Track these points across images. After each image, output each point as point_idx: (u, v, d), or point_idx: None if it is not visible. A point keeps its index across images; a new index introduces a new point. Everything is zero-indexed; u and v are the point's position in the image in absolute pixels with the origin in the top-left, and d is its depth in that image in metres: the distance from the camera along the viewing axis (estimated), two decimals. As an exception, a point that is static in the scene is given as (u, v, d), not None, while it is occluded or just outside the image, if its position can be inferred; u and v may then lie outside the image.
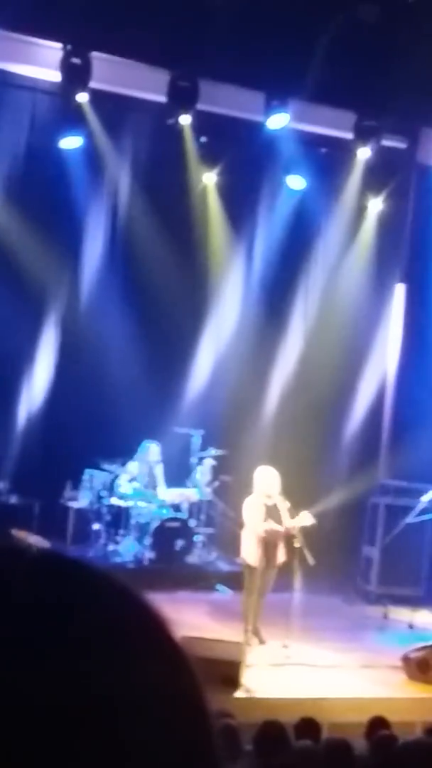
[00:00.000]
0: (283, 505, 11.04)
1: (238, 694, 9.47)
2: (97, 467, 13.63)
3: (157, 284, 14.08)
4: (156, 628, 0.82)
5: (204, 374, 14.94)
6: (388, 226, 15.52)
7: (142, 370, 13.88)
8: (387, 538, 13.65)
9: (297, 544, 11.01)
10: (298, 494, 11.35)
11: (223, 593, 13.00)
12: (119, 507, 13.49)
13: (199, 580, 13.15)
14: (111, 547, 13.40)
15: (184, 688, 0.80)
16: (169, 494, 13.72)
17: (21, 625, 0.76)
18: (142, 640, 0.80)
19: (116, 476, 13.57)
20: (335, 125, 14.73)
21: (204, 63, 13.23)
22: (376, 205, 15.44)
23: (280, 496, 11.08)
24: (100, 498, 13.55)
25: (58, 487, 13.78)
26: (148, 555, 13.19)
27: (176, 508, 13.75)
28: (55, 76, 13.16)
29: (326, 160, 15.05)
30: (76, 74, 13.06)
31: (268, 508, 11.03)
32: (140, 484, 13.56)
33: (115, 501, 13.49)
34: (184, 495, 13.85)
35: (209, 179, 14.75)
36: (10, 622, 0.76)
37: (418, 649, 10.74)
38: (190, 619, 10.86)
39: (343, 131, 14.66)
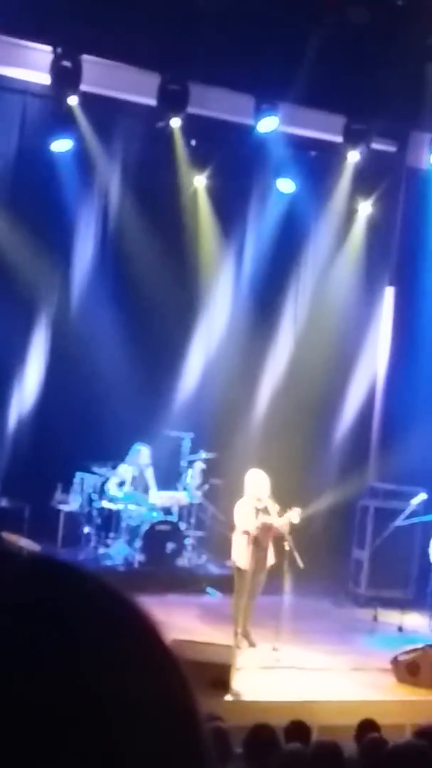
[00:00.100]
0: (273, 508, 11.05)
1: (228, 697, 9.46)
2: (88, 470, 13.62)
3: (148, 287, 14.08)
4: (146, 631, 0.82)
5: (194, 377, 14.94)
6: (377, 230, 15.54)
7: (132, 373, 13.88)
8: (376, 541, 13.65)
9: (287, 547, 11.02)
10: (288, 497, 11.34)
11: (213, 596, 13.00)
12: (110, 510, 13.48)
13: (189, 583, 13.14)
14: (101, 550, 13.40)
15: (174, 691, 0.81)
16: (159, 497, 13.72)
17: (11, 628, 0.76)
18: (132, 643, 0.80)
19: (107, 479, 13.56)
20: (325, 128, 14.75)
21: (194, 66, 13.24)
22: (365, 208, 15.46)
23: (270, 499, 11.08)
24: (90, 501, 13.54)
25: (48, 490, 13.77)
26: (139, 558, 13.18)
27: (166, 511, 13.75)
28: (45, 78, 13.15)
29: (316, 164, 15.07)
30: (66, 77, 13.06)
31: (258, 511, 11.04)
32: (131, 487, 13.55)
33: (105, 504, 13.48)
34: (175, 498, 13.85)
35: (199, 182, 14.76)
36: (0, 625, 0.76)
37: (408, 652, 10.74)
38: (181, 622, 10.86)
39: (333, 134, 14.68)
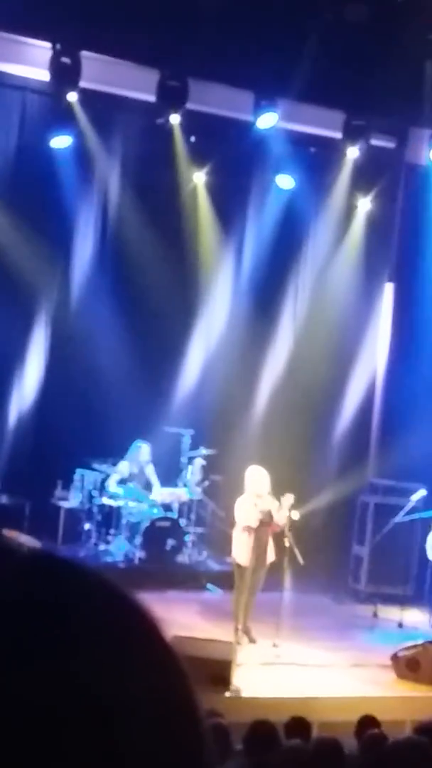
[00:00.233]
0: (273, 505, 11.05)
1: (228, 693, 9.47)
2: (88, 467, 13.61)
3: (147, 284, 14.07)
4: (146, 627, 0.82)
5: (194, 373, 14.93)
6: (376, 226, 15.54)
7: (132, 370, 13.87)
8: (376, 537, 13.66)
9: (287, 544, 11.03)
10: (288, 493, 11.34)
11: (214, 592, 13.00)
12: (110, 506, 13.48)
13: (189, 579, 13.15)
14: (102, 547, 13.40)
15: (175, 688, 0.81)
16: (159, 494, 13.72)
17: (11, 625, 0.76)
18: (132, 640, 0.80)
19: (107, 476, 13.56)
20: (324, 125, 14.73)
21: (193, 62, 13.24)
22: (365, 204, 15.45)
23: (270, 496, 11.09)
24: (91, 498, 13.54)
25: (48, 487, 13.77)
26: (139, 554, 13.19)
27: (167, 507, 13.75)
28: (44, 75, 13.14)
29: (315, 160, 15.06)
30: (65, 73, 13.05)
31: (258, 508, 11.04)
32: (131, 484, 13.55)
33: (105, 501, 13.48)
34: (175, 494, 13.85)
35: (199, 179, 14.75)
36: (1, 621, 0.76)
37: (408, 648, 10.75)
38: (181, 618, 10.86)
39: (332, 131, 14.67)
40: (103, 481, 13.56)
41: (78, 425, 13.37)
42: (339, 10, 13.41)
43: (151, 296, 14.11)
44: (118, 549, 13.32)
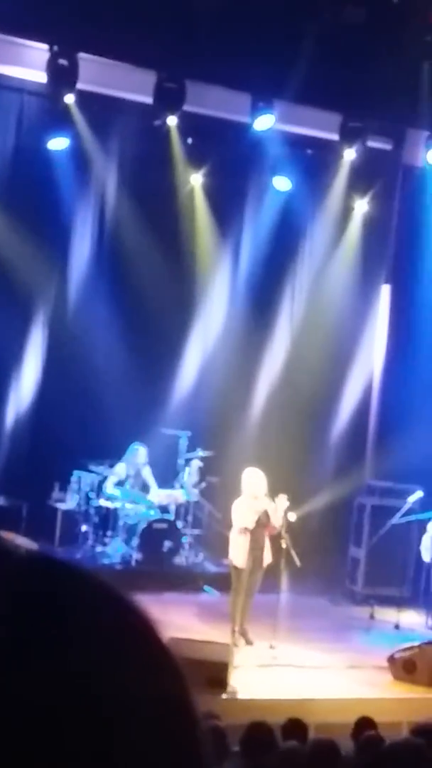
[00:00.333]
0: (270, 506, 11.05)
1: (225, 695, 9.47)
2: (85, 469, 13.61)
3: (145, 285, 14.07)
4: (143, 629, 0.82)
5: (191, 375, 14.94)
6: (373, 227, 15.55)
7: (129, 371, 13.87)
8: (373, 539, 13.67)
9: (284, 545, 11.03)
10: (281, 494, 11.34)
11: (211, 594, 13.00)
12: (107, 508, 13.48)
13: (186, 581, 13.14)
14: (99, 549, 13.40)
15: (172, 690, 0.81)
16: (156, 496, 13.72)
17: (8, 626, 0.76)
18: (129, 641, 0.80)
19: (104, 478, 13.56)
20: (321, 126, 14.75)
21: (190, 64, 13.24)
22: (361, 206, 15.47)
23: (267, 497, 11.09)
24: (88, 499, 13.54)
25: (45, 489, 13.77)
26: (136, 556, 13.19)
27: (164, 509, 13.75)
28: (42, 77, 13.14)
29: (312, 162, 15.07)
30: (62, 75, 13.04)
31: (255, 510, 11.04)
32: (128, 486, 13.56)
33: (102, 502, 13.48)
34: (172, 496, 13.85)
35: (196, 180, 14.76)
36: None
37: (404, 650, 10.75)
38: (178, 620, 10.86)
39: (329, 132, 14.68)
40: (100, 483, 13.56)
41: (75, 427, 13.38)
42: (336, 12, 13.42)
43: (148, 298, 14.12)
44: (115, 551, 13.32)
